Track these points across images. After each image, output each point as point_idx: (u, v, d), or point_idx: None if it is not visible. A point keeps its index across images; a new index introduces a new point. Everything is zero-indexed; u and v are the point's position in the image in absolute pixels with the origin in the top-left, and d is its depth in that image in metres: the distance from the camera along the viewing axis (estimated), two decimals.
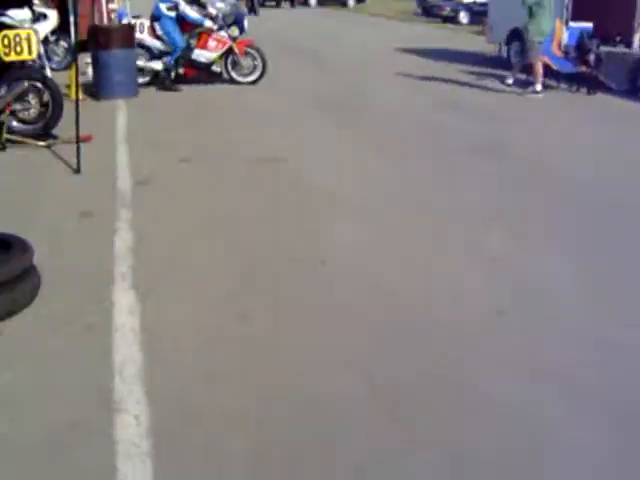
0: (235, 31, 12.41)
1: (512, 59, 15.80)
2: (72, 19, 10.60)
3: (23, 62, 8.11)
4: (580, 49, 13.12)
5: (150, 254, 5.07)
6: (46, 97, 8.38)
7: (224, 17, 12.27)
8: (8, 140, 8.00)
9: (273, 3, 40.53)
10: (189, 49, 12.11)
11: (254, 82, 12.40)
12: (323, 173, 7.26)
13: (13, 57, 7.93)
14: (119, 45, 10.87)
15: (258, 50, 12.53)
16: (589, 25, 13.85)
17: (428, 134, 9.31)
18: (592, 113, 11.52)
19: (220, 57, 12.38)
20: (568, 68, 13.10)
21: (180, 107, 10.68)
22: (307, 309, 4.34)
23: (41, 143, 8.09)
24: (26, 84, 8.29)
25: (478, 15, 25.51)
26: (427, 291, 4.63)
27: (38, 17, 13.13)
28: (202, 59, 12.24)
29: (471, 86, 13.10)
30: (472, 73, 14.58)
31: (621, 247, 5.51)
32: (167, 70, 11.99)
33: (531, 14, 12.28)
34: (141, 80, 12.05)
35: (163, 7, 11.92)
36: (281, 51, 15.65)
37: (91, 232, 5.52)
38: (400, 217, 6.04)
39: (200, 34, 12.18)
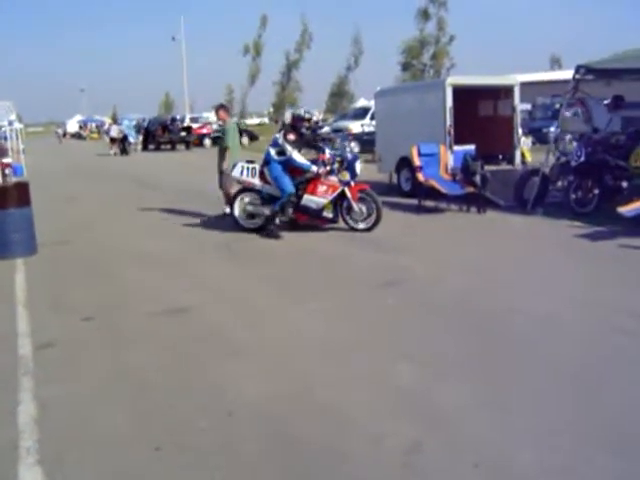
0: (346, 176, 11.89)
1: (403, 185, 16.50)
2: None
3: None
4: (466, 171, 13.78)
5: (56, 425, 4.89)
6: None
7: (335, 162, 11.97)
8: None
9: (169, 147, 41.25)
10: (298, 195, 11.94)
11: (369, 229, 11.84)
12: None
13: None
14: (14, 204, 10.76)
15: (371, 195, 11.99)
16: (472, 147, 14.64)
17: (327, 268, 9.49)
18: (484, 232, 12.00)
19: (331, 203, 12.00)
20: (456, 190, 13.69)
21: (82, 261, 10.57)
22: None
23: None
24: None
25: (367, 144, 26.54)
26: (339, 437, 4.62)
27: None
28: (312, 205, 11.93)
29: None
30: None
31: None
32: (272, 216, 11.93)
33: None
34: (251, 225, 12.21)
35: (272, 151, 11.96)
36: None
37: None
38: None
39: (310, 179, 11.97)
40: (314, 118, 12.12)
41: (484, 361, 5.84)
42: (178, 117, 54.34)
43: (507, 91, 16.49)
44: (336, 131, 34.59)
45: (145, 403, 5.23)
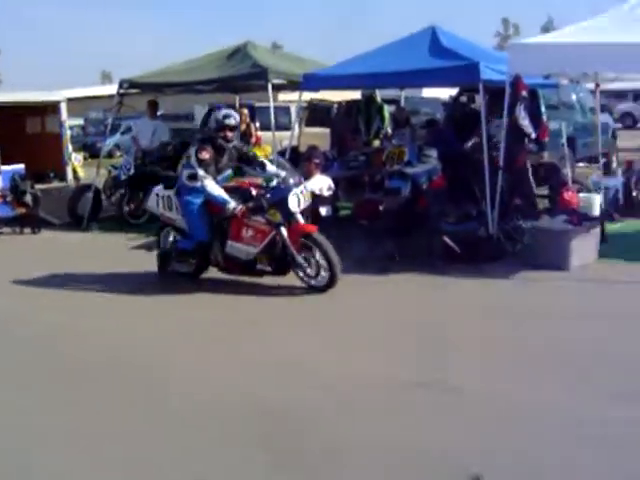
0: (276, 216, 8.04)
1: None
2: None
3: None
4: (15, 191, 13.28)
5: None
6: None
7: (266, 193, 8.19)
8: None
9: None
10: (220, 239, 8.33)
11: (322, 290, 8.10)
12: None
13: None
14: None
15: (319, 242, 8.03)
16: (21, 167, 14.12)
17: None
18: (39, 251, 11.65)
19: (264, 252, 8.19)
20: (7, 212, 13.18)
21: None
22: None
23: None
24: None
25: None
26: None
27: None
28: (239, 254, 8.24)
29: None
30: None
31: None
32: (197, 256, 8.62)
33: None
34: (184, 269, 8.91)
35: (185, 174, 8.48)
36: None
37: None
38: None
39: (231, 219, 8.24)
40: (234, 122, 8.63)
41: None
42: None
43: (54, 107, 16.19)
44: None
45: None
